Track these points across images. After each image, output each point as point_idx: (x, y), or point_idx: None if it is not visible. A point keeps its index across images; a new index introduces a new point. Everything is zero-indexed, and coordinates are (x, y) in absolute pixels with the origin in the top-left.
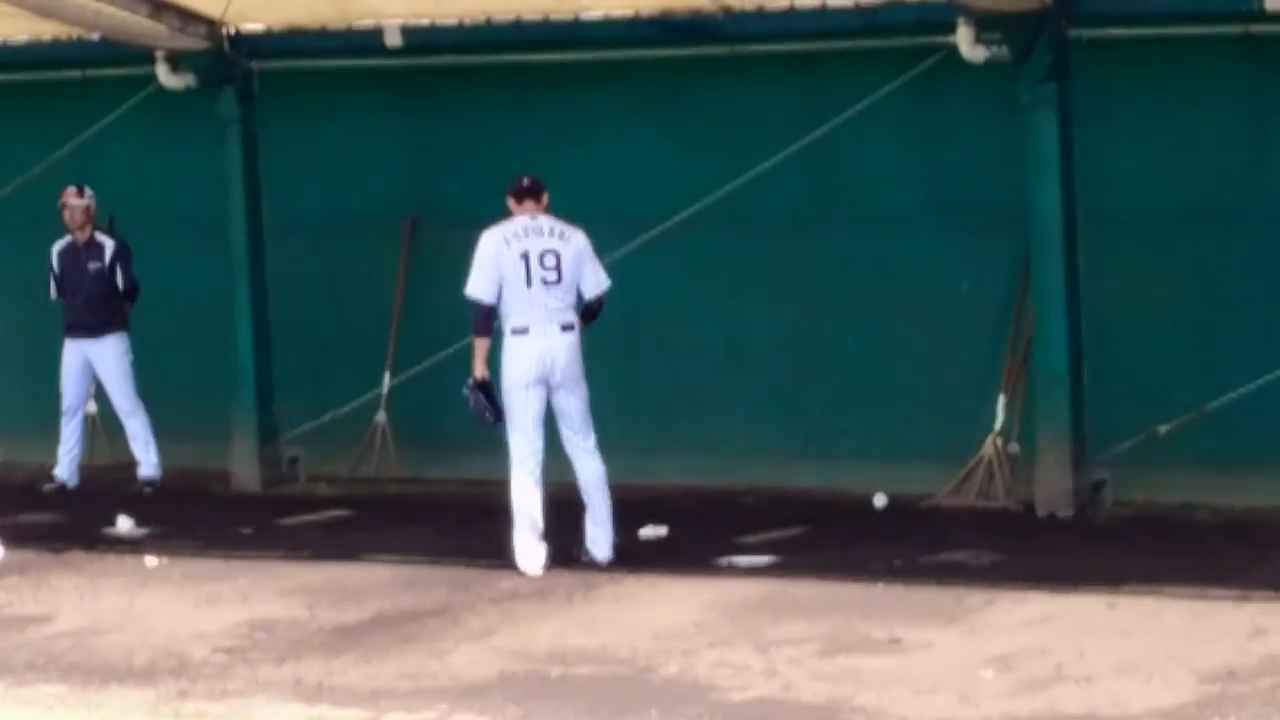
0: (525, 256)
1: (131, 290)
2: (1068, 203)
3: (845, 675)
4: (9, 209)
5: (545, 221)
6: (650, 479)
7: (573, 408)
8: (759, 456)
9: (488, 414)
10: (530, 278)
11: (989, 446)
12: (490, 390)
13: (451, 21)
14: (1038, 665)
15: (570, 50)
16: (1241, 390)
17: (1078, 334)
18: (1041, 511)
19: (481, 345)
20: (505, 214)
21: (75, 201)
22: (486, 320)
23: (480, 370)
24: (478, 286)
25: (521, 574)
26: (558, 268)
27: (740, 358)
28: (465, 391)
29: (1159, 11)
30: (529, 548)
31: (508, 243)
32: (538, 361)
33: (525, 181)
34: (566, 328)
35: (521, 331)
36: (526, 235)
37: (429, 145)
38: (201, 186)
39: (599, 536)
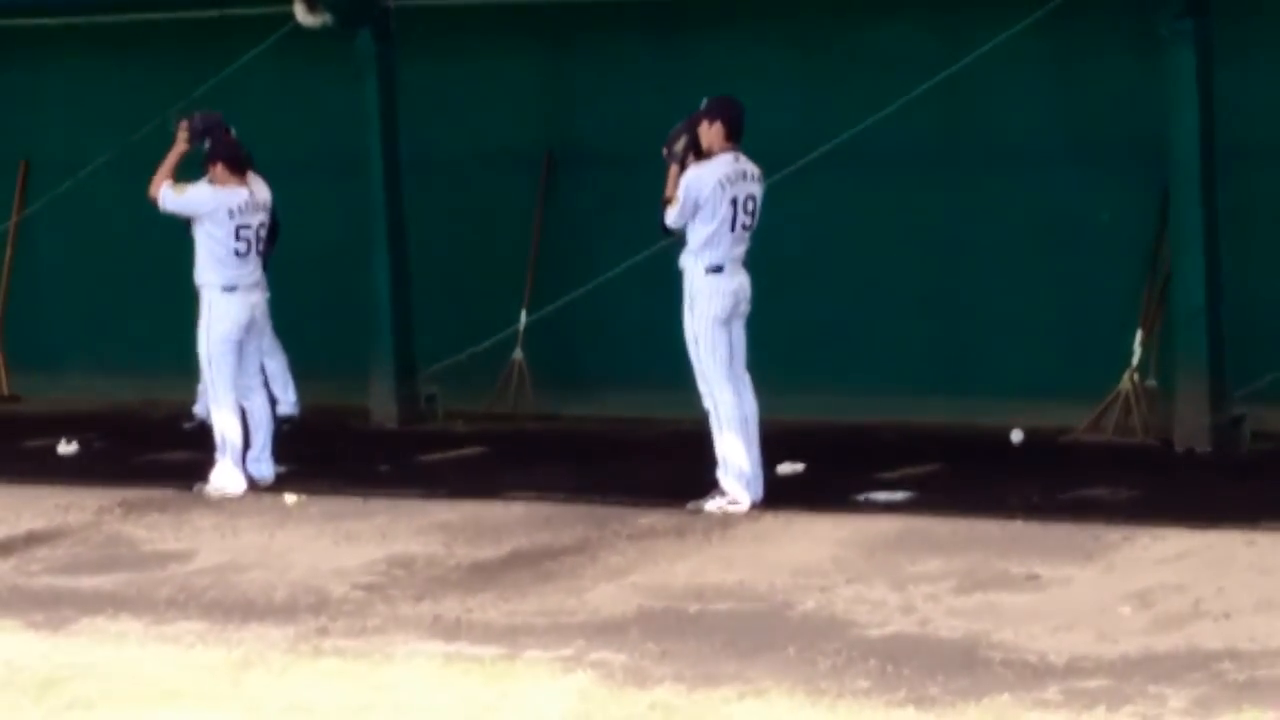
0: (735, 202)
1: (273, 230)
2: (1206, 137)
3: (983, 611)
4: (146, 149)
5: (745, 162)
6: (786, 415)
7: (742, 340)
8: (895, 392)
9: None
10: (735, 223)
11: (1126, 382)
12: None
13: None
14: (1176, 601)
15: None
16: None
17: (1216, 269)
18: (1180, 447)
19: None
20: (639, 150)
21: None
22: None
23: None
24: (682, 219)
25: (719, 511)
26: (754, 213)
27: (877, 293)
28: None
29: None
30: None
31: (722, 186)
32: (732, 297)
33: (739, 116)
34: (745, 264)
35: (717, 270)
36: (740, 180)
37: (565, 82)
38: (338, 125)
39: (753, 476)
